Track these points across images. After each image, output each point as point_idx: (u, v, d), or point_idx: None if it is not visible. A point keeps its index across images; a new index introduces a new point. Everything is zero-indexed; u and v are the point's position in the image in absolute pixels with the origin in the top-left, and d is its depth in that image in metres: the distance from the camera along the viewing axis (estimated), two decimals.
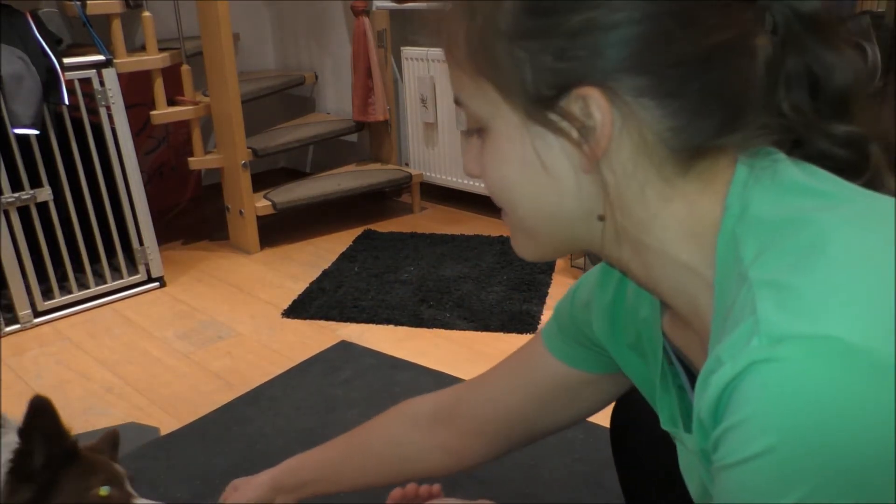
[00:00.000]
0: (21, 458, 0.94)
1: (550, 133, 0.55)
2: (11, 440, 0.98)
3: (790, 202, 0.51)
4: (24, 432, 0.94)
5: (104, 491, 0.97)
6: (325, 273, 2.57)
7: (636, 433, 0.95)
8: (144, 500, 1.01)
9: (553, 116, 0.54)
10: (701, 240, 0.54)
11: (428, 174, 3.13)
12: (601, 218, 0.57)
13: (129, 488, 1.01)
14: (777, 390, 0.43)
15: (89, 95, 2.30)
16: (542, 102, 0.54)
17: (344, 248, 2.78)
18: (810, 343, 0.43)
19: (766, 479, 0.44)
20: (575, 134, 0.54)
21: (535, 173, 0.57)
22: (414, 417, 0.94)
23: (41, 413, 0.93)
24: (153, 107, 2.60)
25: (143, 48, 2.57)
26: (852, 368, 0.42)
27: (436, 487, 0.96)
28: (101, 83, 2.30)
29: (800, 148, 0.56)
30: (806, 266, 0.46)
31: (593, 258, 2.31)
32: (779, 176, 0.53)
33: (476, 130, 0.60)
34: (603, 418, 1.65)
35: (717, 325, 0.52)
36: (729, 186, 0.54)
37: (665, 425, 0.70)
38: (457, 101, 0.60)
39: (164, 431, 1.72)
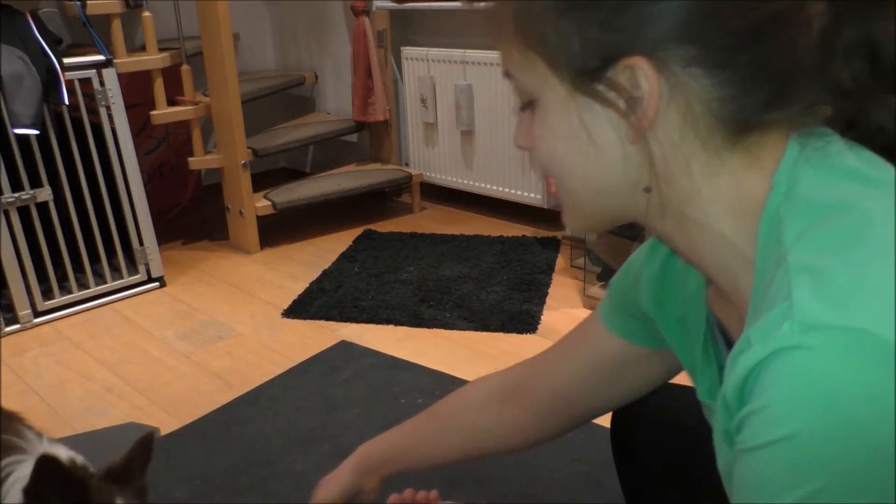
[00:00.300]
0: None
1: (598, 104, 0.55)
2: (60, 453, 0.96)
3: (838, 185, 0.51)
4: (30, 491, 0.91)
5: None
6: (325, 273, 2.57)
7: (637, 433, 0.95)
8: None
9: (600, 87, 0.54)
10: (745, 216, 0.54)
11: (428, 174, 3.13)
12: (647, 190, 0.57)
13: None
14: (802, 379, 0.43)
15: (89, 95, 2.30)
16: (589, 74, 0.54)
17: (344, 248, 2.78)
18: (840, 334, 0.42)
19: (781, 466, 0.44)
20: (622, 105, 0.54)
21: (583, 145, 0.57)
22: (483, 397, 0.95)
23: (48, 472, 0.90)
24: (153, 107, 2.60)
25: (143, 48, 2.57)
26: (879, 363, 0.41)
27: (433, 493, 0.96)
28: (101, 83, 2.30)
29: (853, 130, 0.55)
30: (845, 254, 0.46)
31: (593, 258, 2.31)
32: (830, 158, 0.52)
33: (526, 104, 0.60)
34: (603, 418, 1.65)
35: (754, 303, 0.52)
36: (778, 164, 0.53)
37: (702, 397, 0.70)
38: (506, 75, 0.61)
39: (164, 431, 1.72)
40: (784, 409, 0.43)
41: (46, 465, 0.90)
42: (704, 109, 0.53)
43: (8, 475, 0.98)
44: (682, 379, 0.99)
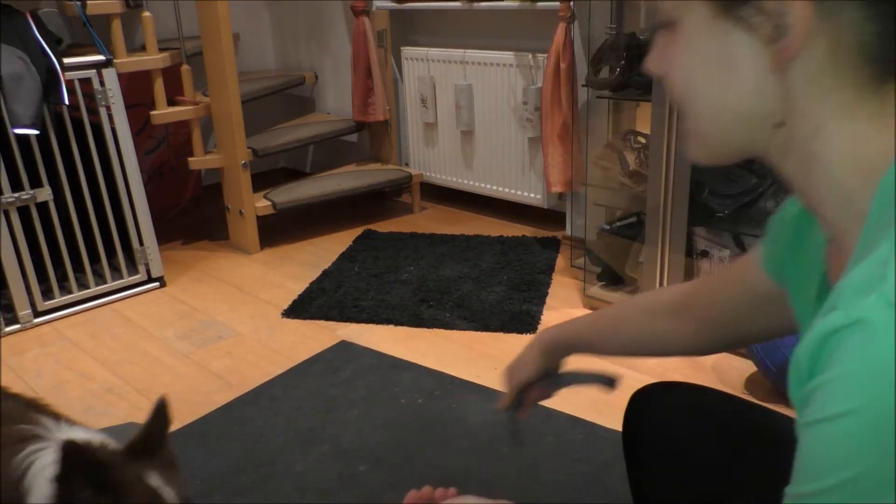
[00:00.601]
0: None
1: (740, 30, 0.53)
2: (80, 435, 0.95)
3: None
4: (60, 479, 0.89)
5: None
6: (325, 273, 2.57)
7: (649, 435, 0.95)
8: None
9: (746, 12, 0.52)
10: (870, 169, 0.51)
11: (428, 174, 3.13)
12: (779, 125, 0.55)
13: None
14: (875, 356, 0.42)
15: (89, 95, 2.30)
16: None
17: (344, 248, 2.78)
18: None
19: (842, 440, 0.43)
20: (767, 32, 0.51)
21: (720, 72, 0.55)
22: (656, 305, 0.98)
23: (75, 457, 0.88)
24: (153, 107, 2.60)
25: (143, 48, 2.57)
26: None
27: (451, 490, 0.96)
28: (101, 83, 2.30)
29: None
30: None
31: (593, 258, 2.31)
32: None
33: (663, 25, 0.58)
34: (603, 419, 1.65)
35: (852, 264, 0.50)
36: None
37: None
38: None
39: None
40: (852, 383, 0.43)
41: (73, 450, 0.87)
42: (854, 43, 0.50)
43: (30, 465, 0.97)
44: (697, 378, 0.99)
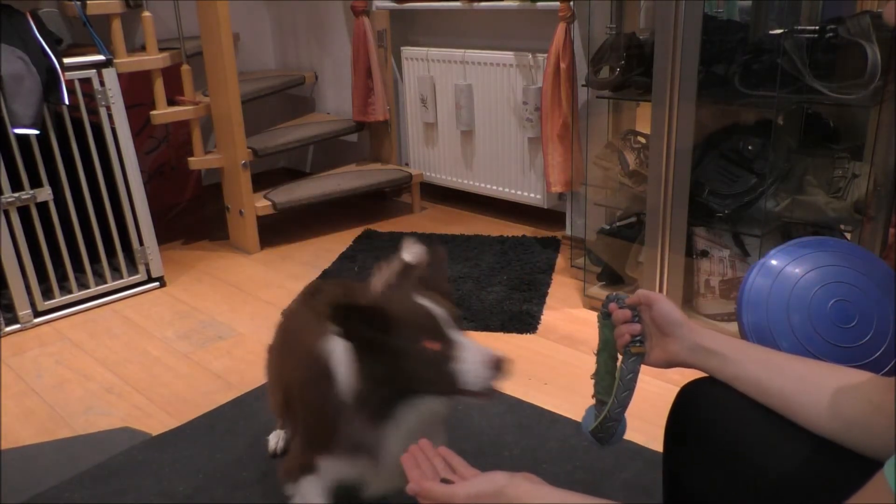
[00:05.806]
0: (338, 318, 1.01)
1: None
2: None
3: None
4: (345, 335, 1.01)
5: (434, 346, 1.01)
6: (325, 273, 2.57)
7: (696, 428, 0.93)
8: (467, 341, 1.01)
9: None
10: None
11: (428, 174, 3.14)
12: None
13: (450, 332, 1.01)
14: None
15: (89, 95, 2.30)
16: None
17: (344, 248, 2.78)
18: None
19: None
20: None
21: None
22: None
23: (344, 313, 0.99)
24: (153, 107, 2.60)
25: (143, 48, 2.57)
26: None
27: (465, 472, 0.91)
28: (101, 83, 2.30)
29: None
30: None
31: (593, 258, 2.31)
32: None
33: None
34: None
35: None
36: None
37: None
38: None
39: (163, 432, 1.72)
40: None
41: (338, 307, 0.98)
42: None
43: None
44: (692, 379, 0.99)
